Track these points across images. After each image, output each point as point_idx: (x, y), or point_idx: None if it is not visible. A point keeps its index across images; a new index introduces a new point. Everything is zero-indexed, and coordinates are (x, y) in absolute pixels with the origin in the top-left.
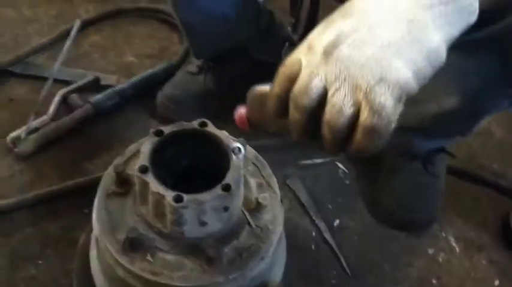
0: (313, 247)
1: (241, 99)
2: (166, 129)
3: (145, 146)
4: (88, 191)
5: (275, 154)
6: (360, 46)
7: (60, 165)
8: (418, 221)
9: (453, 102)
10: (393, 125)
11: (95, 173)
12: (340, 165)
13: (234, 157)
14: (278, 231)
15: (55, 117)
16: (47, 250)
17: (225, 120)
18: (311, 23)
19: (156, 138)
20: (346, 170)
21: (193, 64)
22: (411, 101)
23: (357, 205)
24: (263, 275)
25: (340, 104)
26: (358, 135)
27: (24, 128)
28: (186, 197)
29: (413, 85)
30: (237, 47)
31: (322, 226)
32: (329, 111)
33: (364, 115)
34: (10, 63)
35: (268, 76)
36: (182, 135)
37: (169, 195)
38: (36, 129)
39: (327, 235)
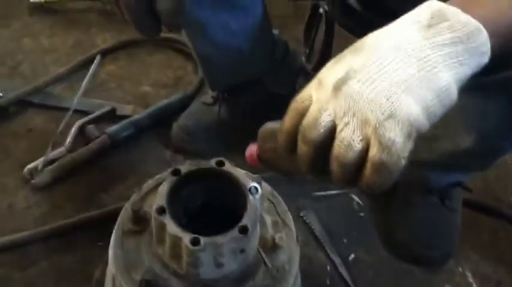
0: (328, 282)
1: (255, 131)
2: (184, 168)
3: (163, 186)
4: (102, 224)
5: (289, 185)
6: (369, 82)
7: (75, 197)
8: (434, 257)
9: (469, 141)
10: (403, 162)
11: (110, 205)
12: (354, 197)
13: (251, 196)
14: (294, 271)
15: (72, 148)
16: (61, 285)
17: (238, 151)
18: (325, 53)
19: (173, 178)
20: (360, 202)
21: (208, 95)
22: (425, 137)
23: (372, 238)
24: None
25: (348, 139)
26: (368, 171)
27: (41, 159)
28: (203, 240)
29: (423, 122)
30: (251, 78)
31: (337, 260)
32: (338, 146)
33: (374, 151)
34: (29, 94)
35: (282, 107)
36: (199, 175)
37: (186, 237)
38: (53, 161)
39: (342, 270)
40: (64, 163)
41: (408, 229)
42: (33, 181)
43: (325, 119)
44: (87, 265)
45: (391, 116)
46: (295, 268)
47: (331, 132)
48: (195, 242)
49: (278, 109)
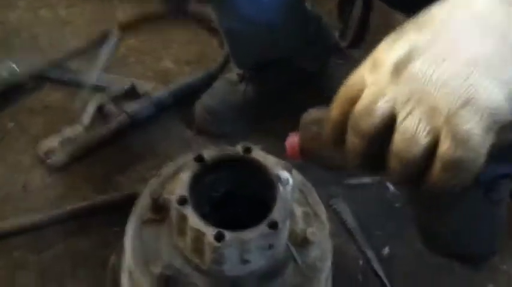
0: (360, 277)
1: (283, 111)
2: (208, 154)
3: (185, 173)
4: (119, 207)
5: (318, 171)
6: (439, 62)
7: (93, 177)
8: (477, 255)
9: None
10: (482, 159)
11: (128, 187)
12: (390, 186)
13: (281, 187)
14: (326, 269)
15: (89, 126)
16: (77, 270)
17: (265, 133)
18: (361, 30)
19: (196, 165)
20: (396, 192)
21: (233, 73)
22: None
23: (408, 230)
24: None
25: (412, 131)
26: (437, 169)
27: (57, 138)
28: (228, 235)
29: (506, 111)
30: (281, 56)
31: (370, 254)
32: (398, 140)
33: (445, 146)
34: (45, 68)
35: (312, 86)
36: (224, 162)
37: (210, 232)
38: (70, 140)
39: (376, 265)
40: (81, 142)
41: (449, 223)
42: (49, 161)
43: (382, 107)
44: (103, 250)
45: (467, 103)
46: (327, 266)
47: (390, 123)
48: (219, 237)
49: (308, 88)
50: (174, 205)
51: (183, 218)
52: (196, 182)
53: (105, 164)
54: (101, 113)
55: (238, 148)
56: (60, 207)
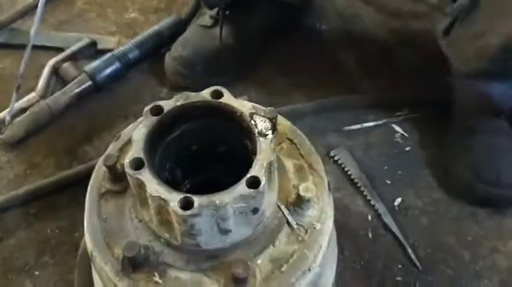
0: (370, 235)
1: (266, 57)
2: (167, 104)
3: (138, 131)
4: (88, 181)
5: (312, 119)
6: None
7: (55, 151)
8: (502, 195)
9: None
10: None
11: (96, 158)
12: (397, 127)
13: (261, 137)
14: (327, 230)
15: (45, 93)
16: (44, 257)
17: (248, 82)
18: None
19: (153, 119)
20: (405, 134)
21: (206, 16)
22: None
23: (422, 176)
24: None
25: None
26: None
27: (7, 110)
28: (197, 200)
29: None
30: None
31: (380, 207)
32: None
33: None
34: None
35: (298, 24)
36: (189, 112)
37: (173, 199)
38: (23, 110)
39: (387, 219)
40: (37, 112)
41: (470, 163)
42: (1, 136)
43: None
44: (72, 232)
45: None
46: (328, 226)
47: None
48: (186, 205)
49: (291, 28)
50: (128, 169)
51: (140, 186)
52: (155, 139)
53: (67, 135)
54: (57, 76)
55: (206, 93)
56: (20, 187)
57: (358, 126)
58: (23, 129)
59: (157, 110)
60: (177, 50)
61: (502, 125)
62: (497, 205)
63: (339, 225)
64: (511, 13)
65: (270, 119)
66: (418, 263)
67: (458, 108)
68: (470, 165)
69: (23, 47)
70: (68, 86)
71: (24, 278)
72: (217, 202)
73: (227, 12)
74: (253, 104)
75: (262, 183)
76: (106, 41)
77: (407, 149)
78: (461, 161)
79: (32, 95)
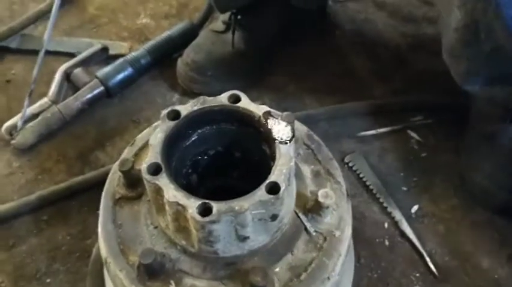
0: (386, 243)
1: (280, 62)
2: (184, 109)
3: (155, 135)
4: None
5: (326, 125)
6: None
7: (67, 157)
8: None
9: None
10: None
11: (108, 164)
12: (412, 133)
13: (280, 142)
14: (346, 238)
15: (57, 99)
16: (55, 264)
17: (260, 87)
18: None
19: (170, 124)
20: (421, 139)
21: (219, 21)
22: None
23: (439, 183)
24: None
25: None
26: None
27: (19, 115)
28: (216, 206)
29: None
30: None
31: (396, 214)
32: None
33: None
34: (4, 37)
35: (311, 31)
36: (206, 117)
37: (192, 205)
38: (35, 116)
39: (404, 226)
40: (49, 117)
41: (488, 169)
42: (13, 142)
43: None
44: (84, 239)
45: None
46: (347, 234)
47: None
48: (204, 211)
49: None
50: (145, 174)
51: (157, 191)
52: (172, 144)
53: (79, 140)
54: (69, 81)
55: (223, 98)
56: (31, 193)
57: (372, 132)
58: (35, 135)
59: (174, 115)
60: (189, 55)
61: None
62: None
63: (355, 233)
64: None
65: (289, 124)
66: (436, 272)
67: (476, 115)
68: (488, 172)
69: (34, 52)
70: (80, 91)
71: (35, 285)
72: (237, 208)
73: (239, 17)
74: (270, 109)
75: (282, 189)
76: (118, 47)
77: (423, 155)
78: (479, 168)
79: (44, 100)
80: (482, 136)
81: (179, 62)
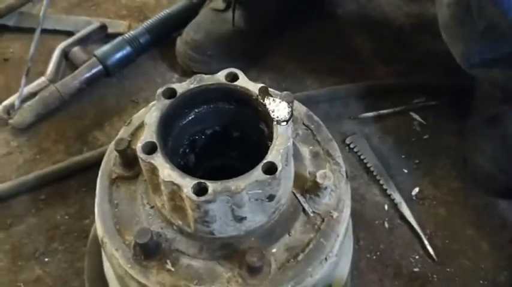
0: (386, 225)
1: (278, 40)
2: (180, 87)
3: (151, 114)
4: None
5: (327, 106)
6: None
7: (65, 136)
8: None
9: None
10: None
11: (107, 144)
12: (415, 115)
13: (278, 122)
14: (345, 219)
15: (55, 78)
16: (54, 244)
17: (260, 67)
18: None
19: (166, 102)
20: (423, 121)
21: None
22: None
23: (441, 166)
24: (325, 278)
25: None
26: None
27: (17, 94)
28: (211, 186)
29: None
30: None
31: (396, 197)
32: None
33: None
34: (1, 15)
35: (310, 9)
36: (203, 95)
37: (187, 185)
38: (33, 95)
39: (404, 209)
40: (47, 97)
41: (491, 153)
42: (11, 121)
43: None
44: (82, 219)
45: None
46: (345, 215)
47: None
48: (200, 190)
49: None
50: (140, 153)
51: (153, 171)
52: (168, 123)
53: (77, 120)
54: (67, 60)
55: (220, 76)
56: (29, 173)
57: (374, 113)
58: (33, 114)
59: (170, 93)
60: (189, 34)
61: None
62: None
63: (354, 214)
64: None
65: (287, 104)
66: (434, 255)
67: (479, 97)
68: (491, 155)
69: (32, 31)
70: (78, 70)
71: (33, 264)
72: (233, 188)
73: None
74: (269, 88)
75: (279, 169)
76: (116, 25)
77: (425, 137)
78: (482, 150)
79: (42, 79)
80: (485, 119)
81: (178, 40)
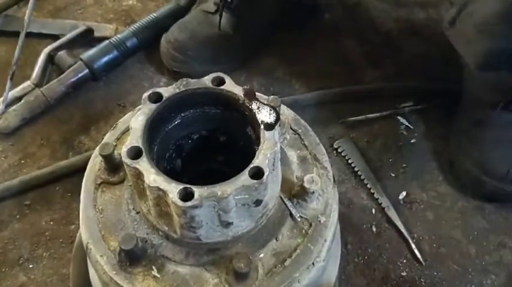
0: (374, 229)
1: (265, 45)
2: (166, 91)
3: (136, 118)
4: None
5: (315, 110)
6: None
7: (50, 141)
8: (511, 191)
9: None
10: None
11: (92, 149)
12: (402, 119)
13: (265, 127)
14: (332, 224)
15: (40, 82)
16: (38, 250)
17: (248, 71)
18: None
19: (152, 106)
20: (410, 126)
21: (210, 1)
22: None
23: (428, 170)
24: (313, 283)
25: None
26: None
27: (1, 98)
28: (197, 191)
29: None
30: None
31: (384, 201)
32: None
33: None
34: None
35: (300, 20)
36: (190, 100)
37: (173, 190)
38: (18, 99)
39: (391, 213)
40: (32, 101)
41: (478, 156)
42: None
43: None
44: (67, 224)
45: None
46: (333, 219)
47: None
48: (186, 196)
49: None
50: (125, 158)
51: (138, 176)
52: (154, 128)
53: (63, 125)
54: (53, 64)
55: (207, 80)
56: (14, 178)
57: (362, 117)
58: (18, 119)
59: (156, 97)
60: (173, 33)
61: (509, 117)
62: (504, 201)
63: (342, 218)
64: None
65: (274, 108)
66: (421, 259)
67: (467, 100)
68: (477, 159)
69: (17, 34)
70: (64, 74)
71: (18, 271)
72: (219, 193)
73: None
74: (257, 92)
75: (266, 174)
76: (103, 29)
77: (412, 141)
78: (468, 154)
79: (27, 83)
80: (472, 123)
81: (163, 38)
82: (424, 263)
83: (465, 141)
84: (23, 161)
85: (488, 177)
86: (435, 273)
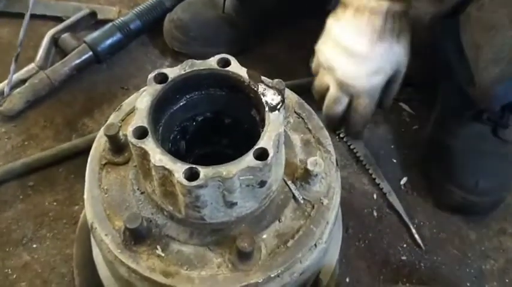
0: (375, 214)
1: (268, 31)
2: (171, 72)
3: (142, 99)
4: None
5: None
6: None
7: (54, 123)
8: (483, 204)
9: None
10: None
11: (96, 131)
12: (404, 106)
13: (270, 108)
14: (335, 206)
15: (44, 64)
16: (42, 230)
17: (252, 56)
18: None
19: (157, 87)
20: (412, 112)
21: None
22: None
23: None
24: (315, 264)
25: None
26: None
27: (6, 81)
28: (203, 171)
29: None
30: None
31: (385, 186)
32: None
33: None
34: None
35: (300, 8)
36: (195, 81)
37: (178, 170)
38: (22, 82)
39: (392, 198)
40: (36, 83)
41: (449, 170)
42: (0, 108)
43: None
44: (71, 205)
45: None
46: (335, 202)
47: None
48: (191, 175)
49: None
50: (130, 138)
51: (144, 156)
52: (159, 109)
53: (66, 107)
54: (57, 47)
55: (212, 61)
56: (17, 159)
57: None
58: (22, 101)
59: (161, 78)
60: (177, 12)
61: (484, 130)
62: (472, 213)
63: (343, 203)
64: None
65: (279, 90)
66: (421, 243)
67: (439, 108)
68: (450, 173)
69: (21, 16)
70: (68, 57)
71: (21, 251)
72: (224, 173)
73: None
74: (261, 75)
75: (271, 155)
76: (106, 11)
77: (414, 127)
78: (440, 168)
79: (31, 66)
80: (444, 131)
81: (167, 17)
82: (424, 248)
83: (436, 148)
84: (26, 143)
85: (457, 187)
86: (435, 258)
